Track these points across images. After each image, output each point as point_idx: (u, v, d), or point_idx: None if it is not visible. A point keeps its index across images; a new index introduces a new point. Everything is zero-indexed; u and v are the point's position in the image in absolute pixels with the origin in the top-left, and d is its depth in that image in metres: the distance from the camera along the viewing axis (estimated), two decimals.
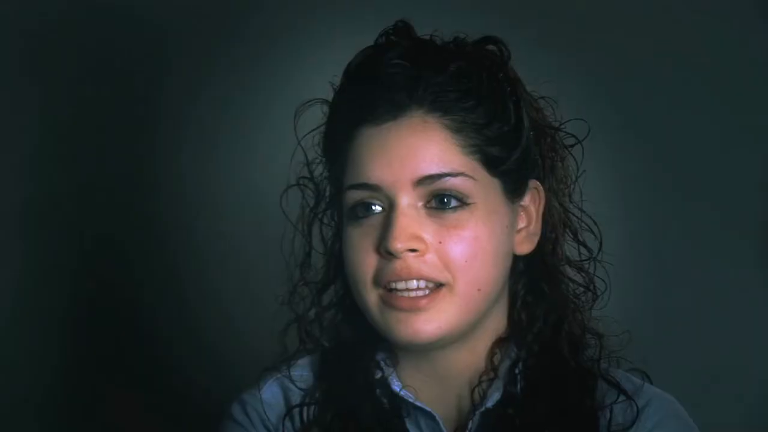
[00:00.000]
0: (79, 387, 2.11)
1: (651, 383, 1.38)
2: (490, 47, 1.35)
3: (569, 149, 1.39)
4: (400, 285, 1.29)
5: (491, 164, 1.30)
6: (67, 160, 2.12)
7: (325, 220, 1.41)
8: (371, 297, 1.31)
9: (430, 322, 1.29)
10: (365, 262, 1.30)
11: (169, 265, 2.14)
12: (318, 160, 1.40)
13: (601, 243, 1.38)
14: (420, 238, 1.28)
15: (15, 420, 2.07)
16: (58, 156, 2.12)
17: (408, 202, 1.28)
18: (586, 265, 1.39)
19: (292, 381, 1.39)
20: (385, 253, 1.28)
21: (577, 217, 1.39)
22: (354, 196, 1.31)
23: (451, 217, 1.28)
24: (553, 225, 1.37)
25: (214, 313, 2.11)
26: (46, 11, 2.10)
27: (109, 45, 2.11)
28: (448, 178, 1.28)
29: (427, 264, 1.28)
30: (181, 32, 2.13)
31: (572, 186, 1.40)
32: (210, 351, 2.09)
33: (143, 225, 2.13)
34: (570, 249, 1.39)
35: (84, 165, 2.12)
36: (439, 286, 1.29)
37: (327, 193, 1.40)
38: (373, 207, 1.30)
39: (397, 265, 1.28)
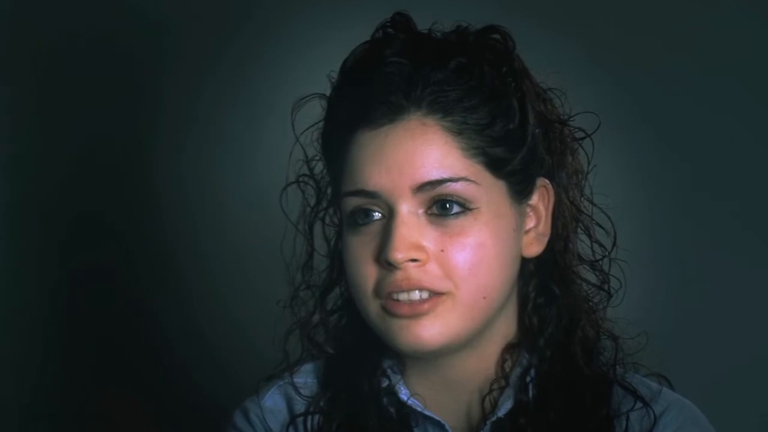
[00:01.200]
0: (78, 387, 2.11)
1: (672, 388, 1.34)
2: (495, 37, 1.29)
3: (580, 142, 1.34)
4: (402, 296, 1.24)
5: (495, 166, 1.25)
6: (66, 160, 2.11)
7: (327, 220, 1.37)
8: (372, 308, 1.27)
9: (432, 327, 1.24)
10: (365, 274, 1.26)
11: (169, 265, 2.13)
12: (318, 157, 1.36)
13: (615, 239, 1.34)
14: (421, 247, 1.24)
15: (13, 421, 2.06)
16: (57, 156, 2.11)
17: (408, 209, 1.24)
18: (600, 264, 1.34)
19: (296, 389, 1.36)
20: (386, 264, 1.24)
21: (587, 214, 1.34)
22: (352, 202, 1.26)
23: (454, 223, 1.24)
24: (564, 223, 1.32)
25: (215, 313, 2.11)
26: (45, 11, 2.09)
27: (109, 45, 2.10)
28: (449, 183, 1.23)
29: (428, 274, 1.24)
30: (181, 32, 2.12)
31: (583, 181, 1.34)
32: (211, 352, 2.08)
33: (143, 225, 2.12)
34: (582, 247, 1.35)
35: (84, 165, 2.11)
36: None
37: (328, 191, 1.36)
38: (373, 213, 1.26)
39: (398, 275, 1.24)
